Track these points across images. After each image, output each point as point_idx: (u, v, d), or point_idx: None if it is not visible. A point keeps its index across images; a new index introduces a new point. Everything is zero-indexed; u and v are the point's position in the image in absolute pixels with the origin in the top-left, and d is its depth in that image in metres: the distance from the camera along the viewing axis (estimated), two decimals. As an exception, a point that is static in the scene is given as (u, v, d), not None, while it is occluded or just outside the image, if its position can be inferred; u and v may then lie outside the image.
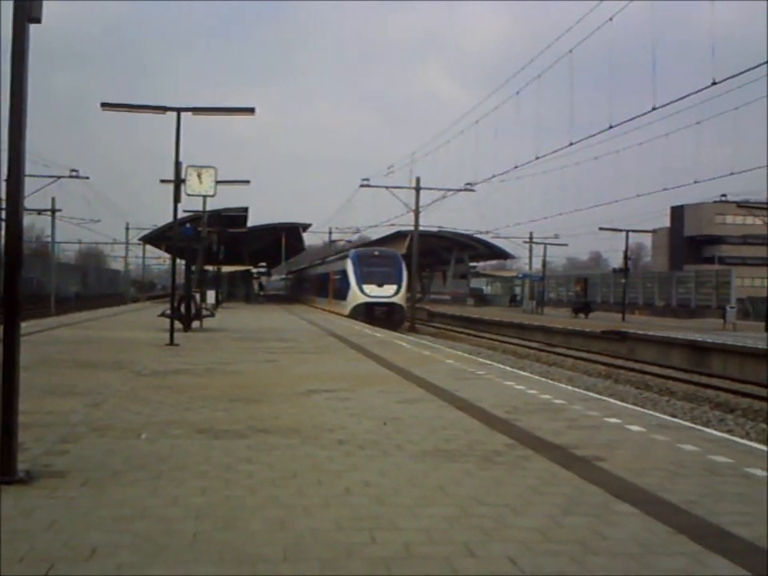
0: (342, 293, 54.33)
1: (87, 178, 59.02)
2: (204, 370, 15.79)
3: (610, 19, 21.87)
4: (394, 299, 51.27)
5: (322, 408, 11.32)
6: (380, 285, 51.16)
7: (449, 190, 53.69)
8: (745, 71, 18.07)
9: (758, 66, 17.69)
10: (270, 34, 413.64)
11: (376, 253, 55.49)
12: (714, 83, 18.43)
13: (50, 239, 72.02)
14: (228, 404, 11.47)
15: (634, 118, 23.04)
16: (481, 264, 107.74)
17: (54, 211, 65.84)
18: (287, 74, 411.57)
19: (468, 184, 51.89)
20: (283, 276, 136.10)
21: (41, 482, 6.80)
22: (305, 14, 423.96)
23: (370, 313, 49.31)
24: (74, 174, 56.49)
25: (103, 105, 23.11)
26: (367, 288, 51.06)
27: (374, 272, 51.98)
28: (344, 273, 53.87)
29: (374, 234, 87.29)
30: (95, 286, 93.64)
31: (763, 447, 9.33)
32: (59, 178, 56.36)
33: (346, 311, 51.24)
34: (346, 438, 9.11)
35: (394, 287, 51.45)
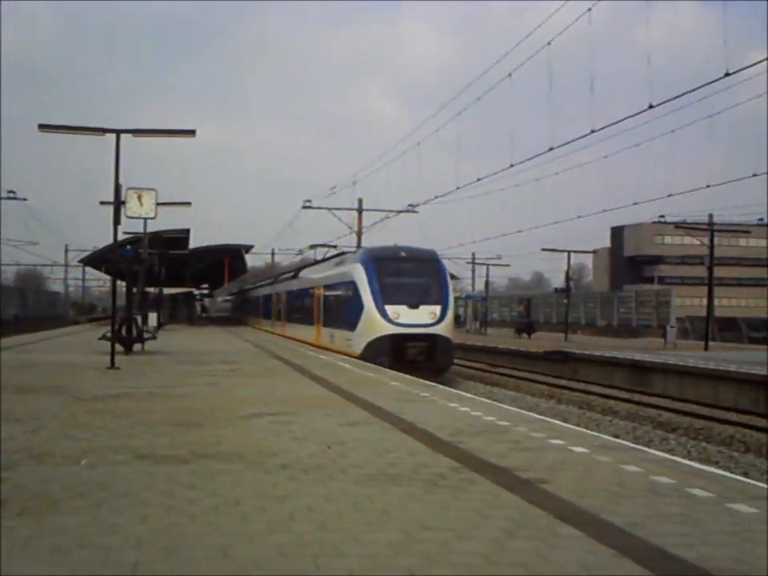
0: (344, 319, 33.39)
1: (25, 199, 58.24)
2: (146, 394, 15.59)
3: (548, 43, 22.08)
4: (438, 329, 30.43)
5: (266, 432, 11.22)
6: (413, 305, 30.62)
7: (391, 211, 53.50)
8: (680, 95, 18.33)
9: (692, 90, 17.96)
10: (210, 52, 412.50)
11: (403, 254, 33.08)
12: (651, 107, 18.70)
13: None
14: (170, 429, 11.33)
15: (573, 140, 23.26)
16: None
17: (-9, 234, 64.81)
18: (228, 94, 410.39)
19: (410, 205, 51.28)
20: (226, 297, 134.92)
21: (-24, 512, 6.63)
22: (246, 33, 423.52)
23: (398, 351, 29.68)
24: (11, 195, 55.67)
25: (41, 126, 22.86)
26: (393, 311, 30.42)
27: (402, 285, 31.69)
28: (349, 286, 33.07)
29: (316, 256, 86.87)
30: (34, 308, 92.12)
31: (704, 467, 9.43)
32: (-5, 199, 55.43)
33: (356, 348, 30.96)
34: (289, 462, 9.04)
35: (437, 309, 30.77)
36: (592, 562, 5.63)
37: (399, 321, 30.07)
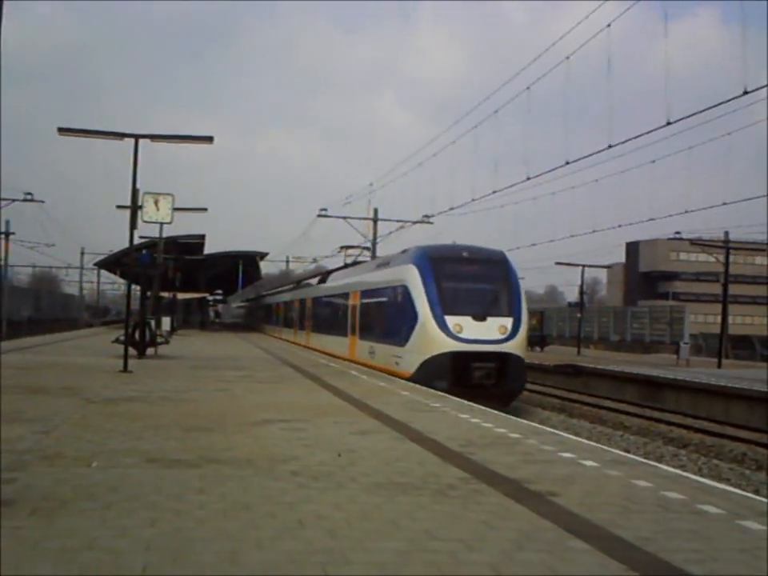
0: (390, 331, 27.78)
1: (42, 201, 58.44)
2: (157, 398, 15.62)
3: (567, 58, 22.10)
4: (510, 346, 24.91)
5: (276, 439, 11.23)
6: (479, 316, 25.02)
7: (406, 221, 53.42)
8: (697, 112, 18.32)
9: (710, 108, 17.95)
10: (225, 60, 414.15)
11: (465, 254, 27.33)
12: (669, 123, 18.68)
13: (2, 262, 71.14)
14: (181, 433, 11.35)
15: (590, 155, 23.23)
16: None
17: (7, 234, 65.06)
18: (243, 102, 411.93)
19: (425, 216, 51.42)
20: (240, 303, 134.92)
21: (-13, 512, 6.66)
22: (261, 41, 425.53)
23: (461, 373, 24.28)
24: (29, 197, 55.87)
25: (60, 130, 22.96)
26: (454, 323, 24.76)
27: (466, 291, 26.49)
28: (397, 292, 27.34)
29: (331, 264, 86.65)
30: (48, 310, 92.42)
31: (715, 484, 9.39)
32: (13, 201, 55.59)
33: (406, 367, 25.40)
34: (299, 469, 9.04)
35: (508, 322, 25.25)
36: (600, 575, 5.61)
37: (462, 335, 24.32)
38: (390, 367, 26.54)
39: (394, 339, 26.75)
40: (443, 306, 24.72)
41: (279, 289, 75.62)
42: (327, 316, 41.24)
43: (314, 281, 50.25)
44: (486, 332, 24.48)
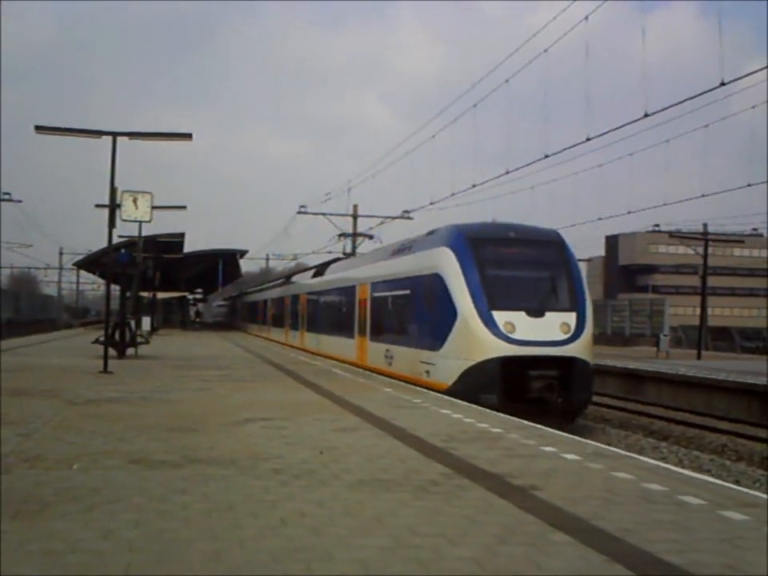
0: (416, 331, 22.88)
1: (20, 201, 58.11)
2: (139, 399, 15.58)
3: (545, 51, 22.17)
4: (575, 349, 20.10)
5: (258, 437, 11.23)
6: (535, 312, 20.30)
7: (386, 217, 53.43)
8: (675, 104, 18.42)
9: (688, 100, 18.06)
10: (205, 56, 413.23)
11: (512, 234, 22.16)
12: (647, 115, 18.76)
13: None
14: (163, 433, 11.33)
15: (568, 147, 23.30)
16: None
17: (-16, 235, 64.70)
18: (223, 98, 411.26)
19: (405, 211, 51.50)
20: (221, 302, 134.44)
21: (-32, 515, 6.63)
22: (241, 38, 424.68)
23: (515, 384, 19.38)
24: (6, 197, 55.53)
25: (37, 128, 22.83)
26: (504, 320, 19.86)
27: (516, 280, 21.46)
28: (425, 282, 22.25)
29: (311, 261, 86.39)
30: (28, 311, 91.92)
31: (696, 475, 9.45)
32: (-11, 201, 55.23)
33: (441, 377, 20.53)
34: (282, 467, 9.05)
35: (570, 318, 20.44)
36: (584, 567, 5.65)
37: (515, 336, 19.25)
38: (416, 376, 21.67)
39: (422, 342, 21.90)
40: (489, 299, 19.73)
41: (266, 285, 70.46)
42: (327, 314, 36.38)
43: (308, 274, 44.88)
44: (544, 331, 19.56)
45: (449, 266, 20.57)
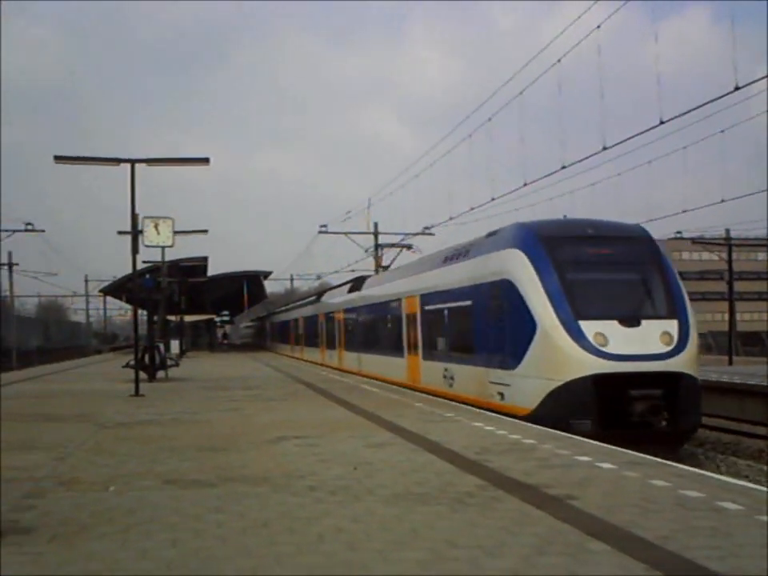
0: (487, 349, 19.52)
1: (43, 230, 58.54)
2: (170, 420, 15.64)
3: (559, 61, 22.13)
4: (680, 363, 16.61)
5: (292, 455, 11.23)
6: (629, 320, 16.92)
7: (406, 234, 53.38)
8: (690, 110, 18.32)
9: (703, 105, 17.97)
10: (219, 79, 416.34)
11: (590, 231, 18.92)
12: (662, 122, 18.66)
13: (7, 294, 71.25)
14: (196, 453, 11.37)
15: (585, 158, 23.22)
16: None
17: (11, 265, 65.26)
18: (238, 120, 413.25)
19: (426, 228, 51.41)
20: (248, 323, 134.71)
21: (8, 539, 6.68)
22: (254, 60, 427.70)
23: (612, 407, 15.98)
24: (29, 227, 55.97)
25: (56, 158, 23.05)
26: (594, 331, 16.53)
27: (603, 283, 18.22)
28: (491, 290, 19.19)
29: (335, 280, 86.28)
30: (57, 339, 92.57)
31: (733, 480, 9.36)
32: (14, 231, 55.68)
33: (521, 400, 17.31)
34: (316, 484, 9.05)
35: (671, 326, 17.09)
36: (622, 575, 5.60)
37: (608, 350, 16.18)
38: (485, 399, 18.85)
39: (492, 359, 18.78)
40: (574, 307, 16.76)
41: (296, 303, 67.65)
42: (369, 331, 33.43)
43: (343, 290, 41.83)
44: (642, 343, 16.45)
45: (521, 270, 17.63)
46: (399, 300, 27.54)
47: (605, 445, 12.26)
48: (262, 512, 7.65)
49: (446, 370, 22.14)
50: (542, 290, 16.97)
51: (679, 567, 5.79)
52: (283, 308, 78.76)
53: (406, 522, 7.23)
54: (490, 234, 20.52)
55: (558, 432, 13.76)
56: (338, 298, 41.60)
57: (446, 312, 22.62)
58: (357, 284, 38.58)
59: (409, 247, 41.59)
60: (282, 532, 6.90)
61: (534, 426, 14.65)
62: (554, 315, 16.59)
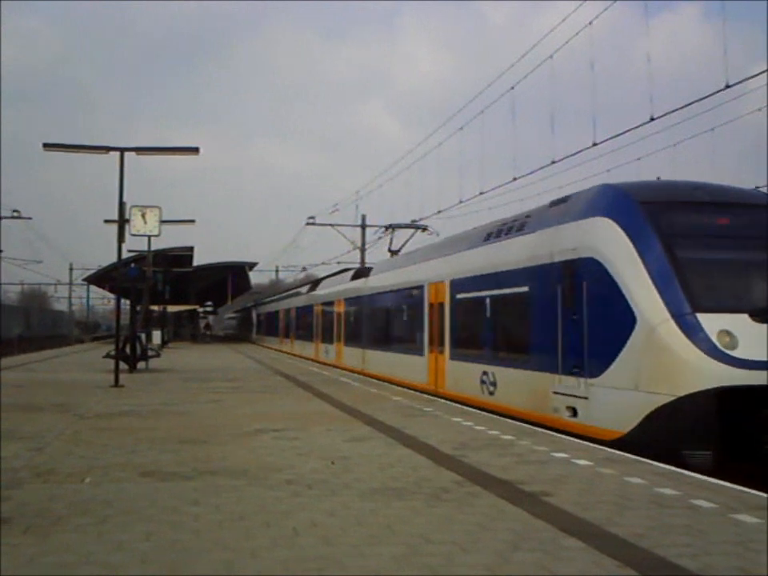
0: (553, 348, 14.53)
1: (29, 218, 58.31)
2: (150, 412, 15.61)
3: (551, 57, 22.16)
4: None
5: (270, 448, 11.24)
6: (763, 316, 11.91)
7: (395, 226, 53.27)
8: (680, 107, 18.38)
9: (693, 103, 18.04)
10: (210, 71, 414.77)
11: (702, 196, 14.11)
12: (652, 119, 18.71)
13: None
14: (174, 446, 11.35)
15: (575, 153, 23.28)
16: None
17: (-4, 253, 64.90)
18: (228, 111, 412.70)
19: (413, 221, 51.34)
20: (232, 314, 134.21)
21: (-18, 530, 6.65)
22: (246, 51, 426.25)
23: (744, 432, 11.46)
24: (16, 214, 55.73)
25: (45, 145, 22.92)
26: (716, 328, 11.85)
27: (725, 264, 13.28)
28: (574, 272, 14.16)
29: (321, 272, 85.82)
30: (39, 327, 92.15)
31: (709, 479, 9.42)
32: (0, 219, 55.44)
33: (611, 420, 12.78)
34: (293, 477, 9.06)
35: None
36: (596, 573, 5.63)
37: (738, 354, 11.86)
38: (545, 414, 14.78)
39: (559, 362, 14.45)
40: (690, 295, 12.52)
41: (287, 292, 63.10)
42: (378, 324, 29.01)
43: (345, 277, 37.33)
44: None
45: (614, 244, 13.47)
46: (421, 287, 23.07)
47: (582, 442, 12.30)
48: (239, 505, 7.66)
49: (484, 374, 17.83)
50: (644, 271, 12.82)
51: (652, 565, 5.83)
52: (271, 297, 73.52)
53: (381, 516, 7.25)
54: (558, 202, 16.22)
55: (536, 428, 13.74)
56: (339, 287, 36.69)
57: (488, 301, 18.11)
58: (361, 272, 34.88)
59: (424, 228, 35.30)
60: (257, 525, 6.90)
61: (512, 422, 14.65)
62: (661, 305, 12.39)
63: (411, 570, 5.70)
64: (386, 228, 36.35)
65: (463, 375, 19.25)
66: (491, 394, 17.46)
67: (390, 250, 33.42)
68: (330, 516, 7.25)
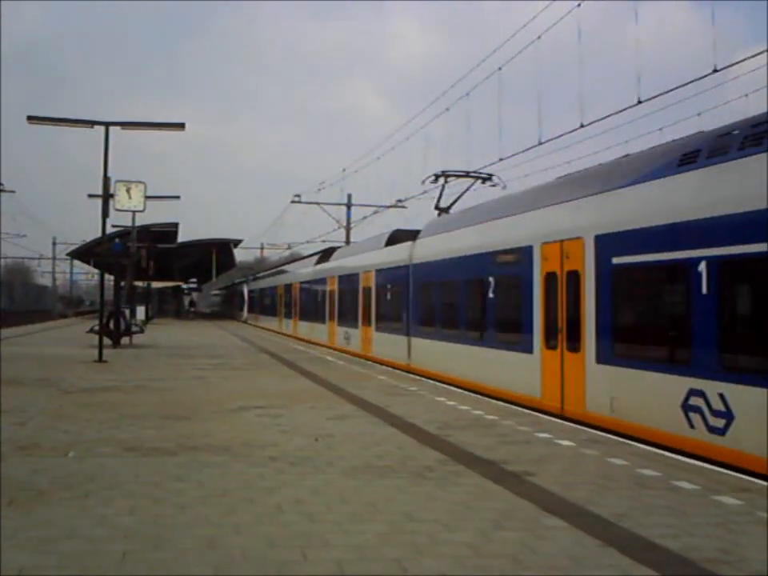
0: None
1: (13, 191, 57.91)
2: (133, 387, 15.59)
3: (538, 37, 22.11)
4: None
5: (254, 425, 11.24)
6: None
7: (380, 206, 53.25)
8: (668, 90, 18.38)
9: (681, 86, 18.04)
10: (198, 47, 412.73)
11: None
12: (640, 102, 18.70)
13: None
14: (158, 421, 11.34)
15: (562, 134, 23.28)
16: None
17: (-22, 226, 64.56)
18: (215, 88, 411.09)
19: (399, 200, 51.23)
20: (217, 291, 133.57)
21: (-36, 503, 6.64)
22: (229, 26, 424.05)
23: None
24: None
25: (30, 118, 22.77)
26: None
27: None
28: None
29: (306, 251, 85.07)
30: (21, 302, 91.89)
31: (690, 461, 9.46)
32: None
33: None
34: (277, 454, 9.06)
35: None
36: (578, 552, 5.66)
37: None
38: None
39: None
40: None
41: (288, 266, 54.27)
42: (437, 303, 20.92)
43: (376, 241, 28.91)
44: None
45: None
46: (529, 249, 15.48)
47: (565, 423, 12.35)
48: (222, 481, 7.66)
49: (695, 394, 10.58)
50: None
51: (634, 545, 5.86)
52: (266, 272, 66.68)
53: (365, 494, 7.26)
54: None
55: (520, 408, 13.80)
56: (371, 255, 27.87)
57: (701, 267, 10.69)
58: (402, 235, 25.71)
59: (488, 177, 25.30)
60: (241, 501, 6.91)
61: (499, 402, 14.67)
62: None
63: (395, 547, 5.71)
64: (436, 177, 25.61)
65: (633, 392, 11.99)
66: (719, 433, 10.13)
67: (437, 208, 25.34)
68: (314, 493, 7.26)
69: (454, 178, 25.24)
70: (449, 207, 24.99)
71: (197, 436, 10.22)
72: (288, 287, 46.49)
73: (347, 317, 30.35)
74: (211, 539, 5.80)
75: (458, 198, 25.31)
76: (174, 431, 10.55)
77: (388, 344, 24.31)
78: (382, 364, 23.36)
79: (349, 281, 30.36)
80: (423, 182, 26.19)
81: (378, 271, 26.07)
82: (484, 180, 25.28)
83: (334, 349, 30.79)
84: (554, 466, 8.70)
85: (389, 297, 25.21)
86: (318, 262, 38.61)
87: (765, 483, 8.07)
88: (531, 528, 6.24)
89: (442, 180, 25.18)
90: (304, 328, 39.96)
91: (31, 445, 9.41)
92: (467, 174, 25.49)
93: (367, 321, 27.13)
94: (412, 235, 23.87)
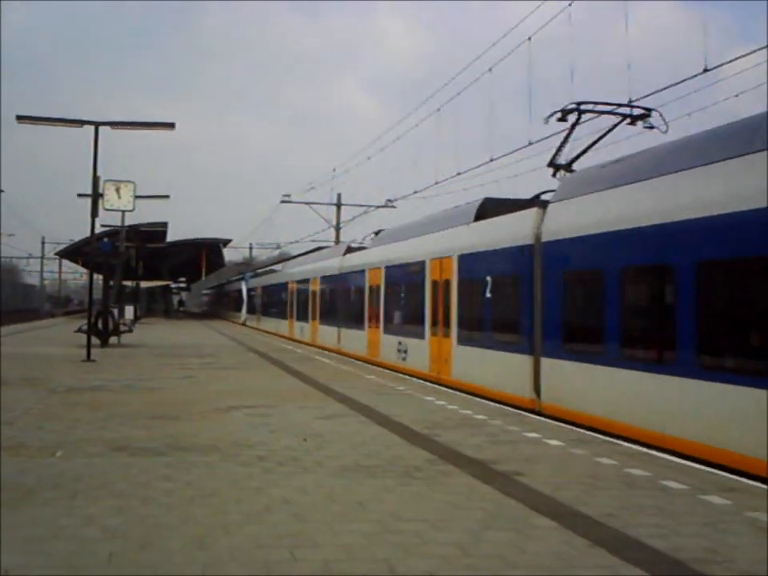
0: None
1: (1, 191, 57.70)
2: (121, 387, 15.55)
3: (529, 38, 22.13)
4: None
5: (242, 425, 11.22)
6: None
7: (369, 206, 53.21)
8: (659, 90, 18.40)
9: (671, 86, 18.06)
10: (185, 44, 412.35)
11: None
12: (630, 102, 18.71)
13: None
14: (146, 421, 11.31)
15: (552, 135, 23.30)
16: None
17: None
18: (204, 87, 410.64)
19: (389, 200, 51.21)
20: (206, 291, 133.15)
21: (-50, 503, 6.60)
22: (220, 26, 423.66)
23: None
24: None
25: (19, 117, 22.70)
26: None
27: None
28: None
29: (295, 250, 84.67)
30: (9, 301, 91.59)
31: (679, 460, 9.48)
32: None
33: None
34: (266, 454, 9.04)
35: None
36: (567, 552, 5.66)
37: None
38: None
39: None
40: None
41: (304, 257, 45.83)
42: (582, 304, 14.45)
43: (398, 233, 24.79)
44: None
45: None
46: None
47: (553, 422, 12.35)
48: (211, 481, 7.64)
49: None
50: None
51: (622, 544, 5.86)
52: (263, 269, 62.10)
53: (353, 494, 7.26)
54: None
55: (509, 408, 13.82)
56: (449, 234, 19.88)
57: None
58: (492, 205, 18.58)
59: (646, 114, 17.31)
60: (229, 501, 6.89)
61: (488, 403, 14.68)
62: None
63: (383, 547, 5.71)
64: (563, 114, 17.39)
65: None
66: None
67: (553, 164, 17.91)
68: (302, 493, 7.25)
69: (591, 114, 17.51)
70: (570, 163, 17.59)
71: (185, 436, 10.19)
72: (301, 282, 38.27)
73: (404, 322, 22.78)
74: (199, 539, 5.78)
75: (587, 148, 17.76)
76: (163, 431, 10.52)
77: (487, 364, 16.71)
78: (473, 395, 15.79)
79: (405, 272, 22.62)
80: (546, 120, 17.53)
81: (464, 257, 18.43)
82: (634, 120, 17.27)
83: (380, 365, 22.91)
84: (542, 466, 8.71)
85: (488, 293, 17.03)
86: (351, 251, 30.99)
87: (751, 483, 8.09)
88: (520, 528, 6.24)
89: (572, 118, 17.40)
90: (327, 335, 31.57)
91: (18, 444, 9.37)
92: (615, 109, 17.46)
93: (443, 328, 19.24)
94: (511, 206, 17.60)
